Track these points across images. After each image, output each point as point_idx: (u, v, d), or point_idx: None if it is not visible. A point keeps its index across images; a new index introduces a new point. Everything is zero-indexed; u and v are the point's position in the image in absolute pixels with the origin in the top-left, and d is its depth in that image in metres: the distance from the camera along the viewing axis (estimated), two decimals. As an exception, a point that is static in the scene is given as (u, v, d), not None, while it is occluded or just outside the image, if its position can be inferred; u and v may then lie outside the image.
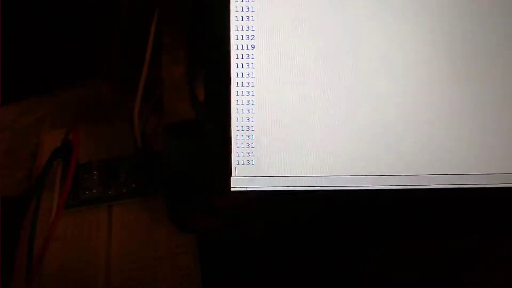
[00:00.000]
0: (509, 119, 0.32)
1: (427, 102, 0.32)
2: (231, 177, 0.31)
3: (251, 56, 0.30)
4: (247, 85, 0.30)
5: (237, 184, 0.32)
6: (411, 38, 0.31)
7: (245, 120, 0.31)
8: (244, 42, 0.30)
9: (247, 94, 0.30)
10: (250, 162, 0.31)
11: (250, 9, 0.30)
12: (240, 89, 0.30)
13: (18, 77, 0.45)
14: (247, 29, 0.30)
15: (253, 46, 0.30)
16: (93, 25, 0.46)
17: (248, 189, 0.32)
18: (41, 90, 0.48)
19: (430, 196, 0.33)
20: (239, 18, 0.30)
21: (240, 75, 0.30)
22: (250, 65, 0.30)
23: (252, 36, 0.30)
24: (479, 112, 0.32)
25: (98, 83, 0.48)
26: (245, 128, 0.31)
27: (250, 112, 0.31)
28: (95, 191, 0.38)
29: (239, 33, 0.30)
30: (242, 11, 0.30)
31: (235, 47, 0.30)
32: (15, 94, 0.47)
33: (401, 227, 0.37)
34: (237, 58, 0.30)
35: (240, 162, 0.31)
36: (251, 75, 0.30)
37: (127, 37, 0.44)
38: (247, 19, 0.30)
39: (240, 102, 0.30)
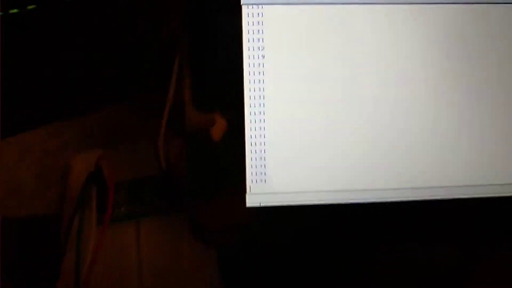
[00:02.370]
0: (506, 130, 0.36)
1: (430, 118, 0.35)
2: (246, 194, 0.36)
3: (261, 82, 0.34)
4: (259, 114, 0.35)
5: (251, 201, 0.36)
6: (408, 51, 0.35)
7: (258, 143, 0.35)
8: (256, 78, 0.34)
9: (260, 121, 0.35)
10: (263, 180, 0.35)
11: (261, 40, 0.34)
12: (252, 118, 0.35)
13: (44, 102, 0.48)
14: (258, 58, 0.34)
15: (263, 72, 0.35)
16: (118, 49, 0.48)
17: (261, 204, 0.36)
18: (66, 114, 0.50)
19: (444, 207, 0.36)
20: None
21: (252, 105, 0.35)
22: (262, 95, 0.35)
23: (263, 65, 0.34)
24: (477, 123, 0.36)
25: (122, 107, 0.50)
26: (258, 151, 0.35)
27: (262, 137, 0.35)
28: (123, 209, 0.42)
29: (251, 61, 0.34)
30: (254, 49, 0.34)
31: (248, 73, 0.34)
32: (41, 119, 0.49)
33: (409, 237, 0.40)
34: (250, 83, 0.35)
35: (254, 181, 0.35)
36: (262, 105, 0.35)
37: (153, 60, 0.47)
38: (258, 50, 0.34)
39: (253, 128, 0.35)
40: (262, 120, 0.35)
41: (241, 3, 0.34)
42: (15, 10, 0.45)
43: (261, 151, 0.35)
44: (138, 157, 0.45)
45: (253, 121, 0.35)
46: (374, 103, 0.35)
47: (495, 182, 0.37)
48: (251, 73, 0.34)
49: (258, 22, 0.34)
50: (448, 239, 0.40)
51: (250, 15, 0.33)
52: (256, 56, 0.34)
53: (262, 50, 0.34)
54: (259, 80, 0.34)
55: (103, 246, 0.39)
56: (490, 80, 0.36)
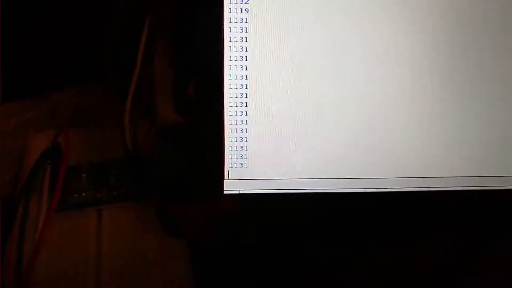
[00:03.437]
0: (496, 120, 0.34)
1: (415, 108, 0.33)
2: (224, 180, 0.33)
3: (244, 59, 0.32)
4: (240, 87, 0.32)
5: (230, 187, 0.33)
6: (395, 40, 0.32)
7: (238, 122, 0.32)
8: (238, 44, 0.32)
9: (240, 96, 0.32)
10: (243, 164, 0.33)
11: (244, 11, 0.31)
12: (233, 91, 0.32)
13: (6, 79, 0.45)
14: (241, 31, 0.31)
15: (246, 48, 0.32)
16: (85, 29, 0.47)
17: (241, 192, 0.33)
18: (29, 93, 0.49)
19: (424, 198, 0.35)
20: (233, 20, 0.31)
21: (233, 77, 0.32)
22: (244, 67, 0.32)
23: (246, 38, 0.31)
24: (463, 115, 0.34)
25: (88, 88, 0.49)
26: (238, 131, 0.32)
27: (243, 115, 0.32)
28: (84, 194, 0.39)
29: (233, 35, 0.31)
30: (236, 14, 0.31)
31: (229, 49, 0.32)
32: (2, 97, 0.46)
33: (397, 229, 0.39)
34: (231, 60, 0.32)
35: (233, 165, 0.33)
36: (244, 77, 0.32)
37: (119, 41, 0.45)
38: (241, 21, 0.31)
39: (233, 105, 0.32)
40: (244, 95, 0.32)
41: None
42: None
43: (242, 130, 0.32)
44: (103, 139, 0.43)
45: (233, 95, 0.32)
46: (362, 89, 0.33)
47: (492, 174, 0.35)
48: (233, 48, 0.31)
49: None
50: (445, 231, 0.39)
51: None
52: (238, 32, 0.31)
53: (245, 31, 0.31)
54: (242, 57, 0.32)
55: (59, 233, 0.36)
56: (487, 66, 0.34)
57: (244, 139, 0.32)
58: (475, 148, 0.34)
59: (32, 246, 0.35)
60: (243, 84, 0.32)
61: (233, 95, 0.32)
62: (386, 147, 0.33)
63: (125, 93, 0.39)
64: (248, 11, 0.31)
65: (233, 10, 0.31)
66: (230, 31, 0.31)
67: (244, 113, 0.32)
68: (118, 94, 0.42)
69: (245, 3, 0.31)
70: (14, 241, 0.35)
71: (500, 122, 0.34)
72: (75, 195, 0.39)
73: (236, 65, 0.32)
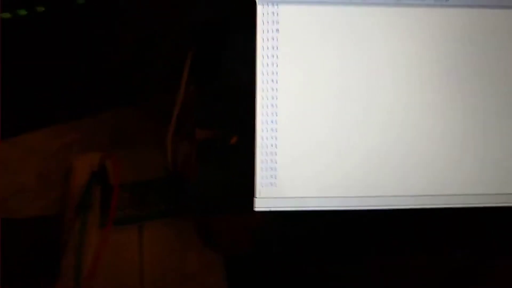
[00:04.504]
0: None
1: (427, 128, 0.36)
2: (255, 198, 0.36)
3: (275, 90, 0.35)
4: (272, 115, 0.35)
5: (260, 205, 0.36)
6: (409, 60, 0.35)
7: (269, 145, 0.35)
8: (269, 69, 0.34)
9: (271, 123, 0.35)
10: (273, 184, 0.35)
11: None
12: (264, 118, 0.35)
13: (47, 102, 0.47)
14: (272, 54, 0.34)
15: (277, 73, 0.35)
16: (127, 51, 0.48)
17: (271, 209, 0.36)
18: (70, 116, 0.50)
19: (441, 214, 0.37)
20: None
21: (265, 102, 0.35)
22: (275, 96, 0.35)
23: (276, 64, 0.34)
24: (481, 131, 0.36)
25: (127, 109, 0.50)
26: (268, 153, 0.35)
27: (273, 139, 0.35)
28: (126, 211, 0.41)
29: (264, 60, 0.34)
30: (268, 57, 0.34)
31: (261, 73, 0.34)
32: (44, 120, 0.49)
33: (416, 244, 0.40)
34: (263, 83, 0.35)
35: (263, 184, 0.35)
36: (275, 105, 0.35)
37: (162, 63, 0.46)
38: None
39: (264, 129, 0.35)
40: (274, 122, 0.35)
41: (257, 2, 0.34)
42: (23, 12, 0.45)
43: (272, 153, 0.35)
44: (144, 159, 0.45)
45: (264, 122, 0.35)
46: (387, 110, 0.35)
47: (500, 192, 0.37)
48: (265, 73, 0.34)
49: (273, 22, 0.34)
50: (456, 247, 0.40)
51: (265, 13, 0.34)
52: (269, 57, 0.34)
53: (276, 49, 0.34)
54: (272, 80, 0.35)
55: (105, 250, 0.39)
56: (496, 86, 0.36)
57: (274, 161, 0.35)
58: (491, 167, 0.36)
59: (88, 261, 0.37)
60: (274, 112, 0.35)
61: (264, 121, 0.35)
62: (408, 167, 0.36)
63: (166, 116, 0.41)
64: (278, 31, 0.34)
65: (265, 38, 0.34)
66: (263, 58, 0.34)
67: (274, 138, 0.35)
68: (159, 117, 0.44)
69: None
70: (71, 255, 0.38)
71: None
72: (118, 212, 0.41)
73: (267, 87, 0.34)
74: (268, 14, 0.34)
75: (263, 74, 0.34)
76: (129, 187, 0.43)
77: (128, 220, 0.41)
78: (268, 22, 0.34)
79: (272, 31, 0.34)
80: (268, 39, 0.34)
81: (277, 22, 0.34)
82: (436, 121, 0.36)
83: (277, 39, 0.34)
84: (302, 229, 0.39)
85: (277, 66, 0.34)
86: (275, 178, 0.35)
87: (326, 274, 0.40)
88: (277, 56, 0.34)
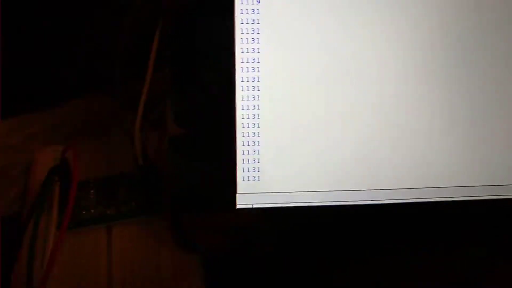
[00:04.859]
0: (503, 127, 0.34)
1: (420, 112, 0.33)
2: (237, 194, 0.32)
3: (256, 70, 0.31)
4: (252, 99, 0.31)
5: (242, 202, 0.32)
6: (404, 42, 0.32)
7: (251, 134, 0.32)
8: (249, 55, 0.31)
9: (253, 108, 0.31)
10: (256, 178, 0.32)
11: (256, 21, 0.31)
12: (245, 103, 0.31)
13: (10, 93, 0.44)
14: (252, 41, 0.31)
15: (258, 59, 0.31)
16: (92, 38, 0.47)
17: (254, 206, 0.33)
18: (35, 106, 0.48)
19: (435, 208, 0.34)
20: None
21: (245, 88, 0.31)
22: (256, 78, 0.31)
23: (258, 49, 0.31)
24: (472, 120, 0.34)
25: (95, 98, 0.48)
26: (250, 143, 0.32)
27: (255, 127, 0.32)
28: (93, 210, 0.39)
29: (244, 46, 0.31)
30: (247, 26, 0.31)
31: (240, 60, 0.31)
32: (5, 111, 0.46)
33: (411, 239, 0.38)
34: (242, 72, 0.31)
35: (246, 178, 0.32)
36: (256, 88, 0.31)
37: (129, 49, 0.44)
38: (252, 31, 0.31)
39: (245, 116, 0.32)
40: (256, 108, 0.32)
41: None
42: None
43: (254, 143, 0.32)
44: (111, 152, 0.43)
45: (245, 106, 0.31)
46: (374, 101, 0.33)
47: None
48: (244, 59, 0.31)
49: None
50: (458, 244, 0.39)
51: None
52: (250, 47, 0.31)
53: (257, 43, 0.31)
54: (253, 68, 0.31)
55: (67, 252, 0.36)
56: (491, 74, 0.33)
57: (257, 151, 0.32)
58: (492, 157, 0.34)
59: (43, 265, 0.34)
60: (255, 95, 0.31)
61: (245, 107, 0.32)
62: (400, 158, 0.33)
63: (135, 102, 0.39)
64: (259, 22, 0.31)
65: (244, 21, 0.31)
66: (242, 42, 0.31)
67: (256, 125, 0.32)
68: (127, 104, 0.42)
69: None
70: (23, 260, 0.35)
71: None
72: (84, 212, 0.38)
73: (248, 76, 0.31)
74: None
75: (242, 61, 0.31)
76: (96, 184, 0.40)
77: (94, 220, 0.38)
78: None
79: (253, 11, 0.31)
80: (247, 21, 0.31)
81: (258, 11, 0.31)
82: (433, 106, 0.33)
83: (258, 21, 0.31)
84: (290, 227, 0.36)
85: (258, 51, 0.31)
86: (258, 171, 0.32)
87: (317, 278, 0.37)
88: (258, 42, 0.31)
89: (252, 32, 0.31)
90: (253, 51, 0.31)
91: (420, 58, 0.32)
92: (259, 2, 0.31)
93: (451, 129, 0.33)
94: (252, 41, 0.31)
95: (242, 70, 0.31)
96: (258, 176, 0.32)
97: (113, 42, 0.45)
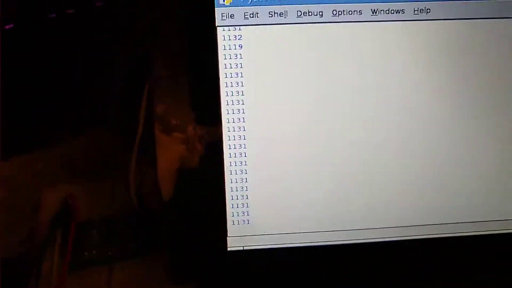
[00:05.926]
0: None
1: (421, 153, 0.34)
2: (227, 237, 0.33)
3: (241, 120, 0.33)
4: (239, 147, 0.33)
5: (234, 244, 0.33)
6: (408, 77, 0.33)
7: (239, 181, 0.33)
8: (234, 98, 0.32)
9: (240, 155, 0.33)
10: (246, 221, 0.33)
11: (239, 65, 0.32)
12: (232, 151, 0.33)
13: (15, 133, 0.44)
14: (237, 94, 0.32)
15: (243, 93, 0.32)
16: (90, 78, 0.45)
17: (245, 248, 0.33)
18: (39, 144, 0.46)
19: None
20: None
21: (232, 128, 0.33)
22: (242, 126, 0.33)
23: (242, 93, 0.32)
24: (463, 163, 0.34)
25: (97, 135, 0.46)
26: (239, 189, 0.33)
27: (243, 173, 0.33)
28: (95, 252, 0.39)
29: (229, 98, 0.32)
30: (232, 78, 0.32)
31: (226, 103, 0.32)
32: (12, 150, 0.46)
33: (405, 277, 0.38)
34: (228, 114, 0.32)
35: (236, 222, 0.33)
36: (242, 137, 0.33)
37: (123, 89, 0.43)
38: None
39: (233, 164, 0.33)
40: (244, 154, 0.33)
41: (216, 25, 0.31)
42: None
43: (242, 188, 0.33)
44: (112, 191, 0.42)
45: (232, 155, 0.33)
46: (363, 137, 0.33)
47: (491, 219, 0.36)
48: (230, 102, 0.32)
49: (235, 46, 0.31)
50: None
51: (227, 37, 0.31)
52: (234, 85, 0.32)
53: (241, 77, 0.32)
54: (239, 110, 0.32)
55: None
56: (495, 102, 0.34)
57: (245, 197, 0.33)
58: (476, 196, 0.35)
59: None
60: (242, 144, 0.33)
61: (233, 155, 0.33)
62: (386, 198, 0.34)
63: (130, 142, 0.40)
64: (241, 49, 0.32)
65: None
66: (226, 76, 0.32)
67: (244, 171, 0.33)
68: (124, 142, 0.42)
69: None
70: None
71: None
72: (86, 253, 0.39)
73: (233, 118, 0.32)
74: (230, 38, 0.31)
75: (227, 104, 0.32)
76: (97, 225, 0.41)
77: (96, 261, 0.39)
78: (230, 47, 0.32)
79: (236, 57, 0.32)
80: (231, 66, 0.32)
81: (241, 46, 0.32)
82: (426, 135, 0.34)
83: (241, 65, 0.32)
84: (282, 267, 0.36)
85: (242, 94, 0.32)
86: (248, 214, 0.33)
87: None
88: (242, 83, 0.32)
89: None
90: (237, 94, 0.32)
91: (393, 97, 0.33)
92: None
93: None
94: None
95: (228, 112, 0.32)
96: (248, 220, 0.33)
97: (109, 83, 0.44)
